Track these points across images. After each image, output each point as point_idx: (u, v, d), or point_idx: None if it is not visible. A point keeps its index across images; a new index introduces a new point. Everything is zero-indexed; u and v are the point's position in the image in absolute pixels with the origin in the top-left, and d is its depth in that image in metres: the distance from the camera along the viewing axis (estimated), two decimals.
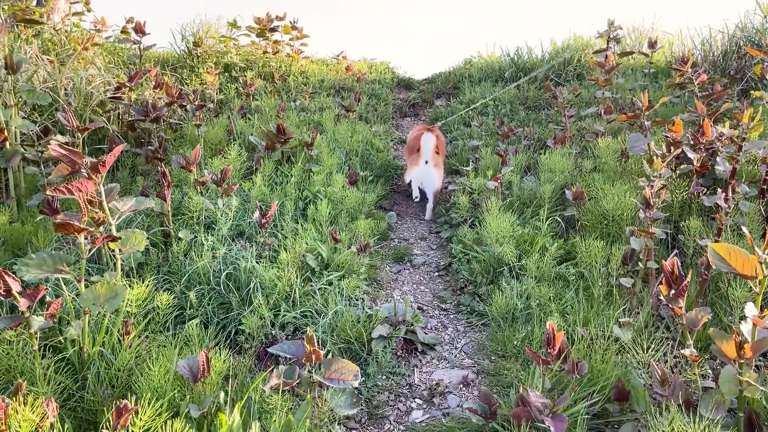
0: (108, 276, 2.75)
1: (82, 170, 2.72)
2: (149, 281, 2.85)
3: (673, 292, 2.27)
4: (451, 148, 6.26)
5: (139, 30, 5.74)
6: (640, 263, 3.04)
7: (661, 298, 2.34)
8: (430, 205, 5.05)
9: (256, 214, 3.37)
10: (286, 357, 2.33)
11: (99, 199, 2.74)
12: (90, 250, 2.47)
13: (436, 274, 3.92)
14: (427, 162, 4.90)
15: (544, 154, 4.79)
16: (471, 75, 8.59)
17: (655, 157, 3.26)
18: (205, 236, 3.42)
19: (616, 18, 6.08)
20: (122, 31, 7.60)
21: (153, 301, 2.80)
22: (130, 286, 2.79)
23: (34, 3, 7.83)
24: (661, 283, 2.29)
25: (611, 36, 6.06)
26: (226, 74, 7.88)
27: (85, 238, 2.47)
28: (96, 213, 2.81)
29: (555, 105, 6.34)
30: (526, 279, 3.31)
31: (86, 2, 8.15)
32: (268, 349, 2.29)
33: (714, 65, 6.99)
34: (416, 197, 5.10)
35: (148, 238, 3.42)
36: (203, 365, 2.11)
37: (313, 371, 2.21)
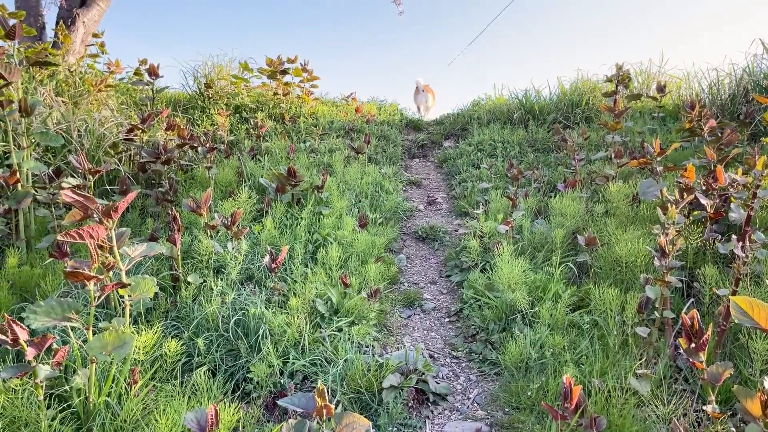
0: (116, 322, 2.71)
1: (94, 215, 2.72)
2: (157, 327, 2.81)
3: (693, 345, 2.21)
4: (460, 189, 6.26)
5: (153, 72, 5.82)
6: (656, 312, 2.98)
7: (680, 351, 2.28)
8: (427, 116, 10.07)
9: (266, 258, 3.35)
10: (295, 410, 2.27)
11: (110, 244, 2.73)
12: (99, 297, 2.44)
13: (447, 319, 3.86)
14: (423, 90, 9.94)
15: (555, 197, 4.77)
16: (479, 117, 8.67)
17: (669, 205, 3.23)
18: (214, 280, 3.39)
19: (623, 60, 6.16)
20: (135, 73, 7.76)
21: (161, 348, 2.76)
22: (138, 332, 2.75)
23: (51, 45, 8.00)
24: (678, 334, 2.24)
25: (619, 80, 6.11)
26: (237, 115, 7.97)
27: (95, 285, 2.45)
28: (106, 258, 2.80)
29: (564, 148, 6.36)
30: (539, 327, 3.25)
31: (101, 44, 8.33)
32: (278, 402, 2.23)
33: (722, 108, 7.02)
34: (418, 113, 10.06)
35: (157, 282, 3.40)
36: (212, 419, 2.05)
37: (323, 425, 2.15)
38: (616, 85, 6.16)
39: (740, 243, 3.08)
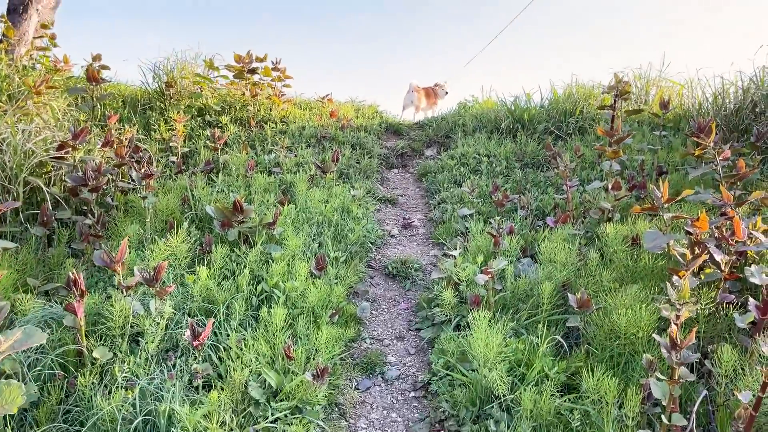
0: None
1: None
2: None
3: None
4: (439, 212, 5.64)
5: (93, 78, 5.13)
6: (663, 417, 2.41)
7: None
8: (418, 114, 9.69)
9: (187, 333, 2.73)
10: None
11: None
12: None
13: (413, 394, 3.26)
14: (413, 91, 9.30)
15: (543, 231, 4.19)
16: (464, 124, 8.00)
17: (684, 280, 2.64)
18: (126, 355, 2.78)
19: (622, 65, 5.55)
20: (88, 70, 7.04)
21: None
22: None
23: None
24: None
25: (619, 93, 5.50)
26: (200, 118, 7.28)
27: None
28: None
29: (555, 166, 5.76)
30: (520, 421, 2.66)
31: (51, 36, 7.61)
32: None
33: (727, 120, 6.43)
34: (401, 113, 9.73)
35: (54, 358, 2.78)
36: None
37: None
38: (615, 99, 5.55)
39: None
